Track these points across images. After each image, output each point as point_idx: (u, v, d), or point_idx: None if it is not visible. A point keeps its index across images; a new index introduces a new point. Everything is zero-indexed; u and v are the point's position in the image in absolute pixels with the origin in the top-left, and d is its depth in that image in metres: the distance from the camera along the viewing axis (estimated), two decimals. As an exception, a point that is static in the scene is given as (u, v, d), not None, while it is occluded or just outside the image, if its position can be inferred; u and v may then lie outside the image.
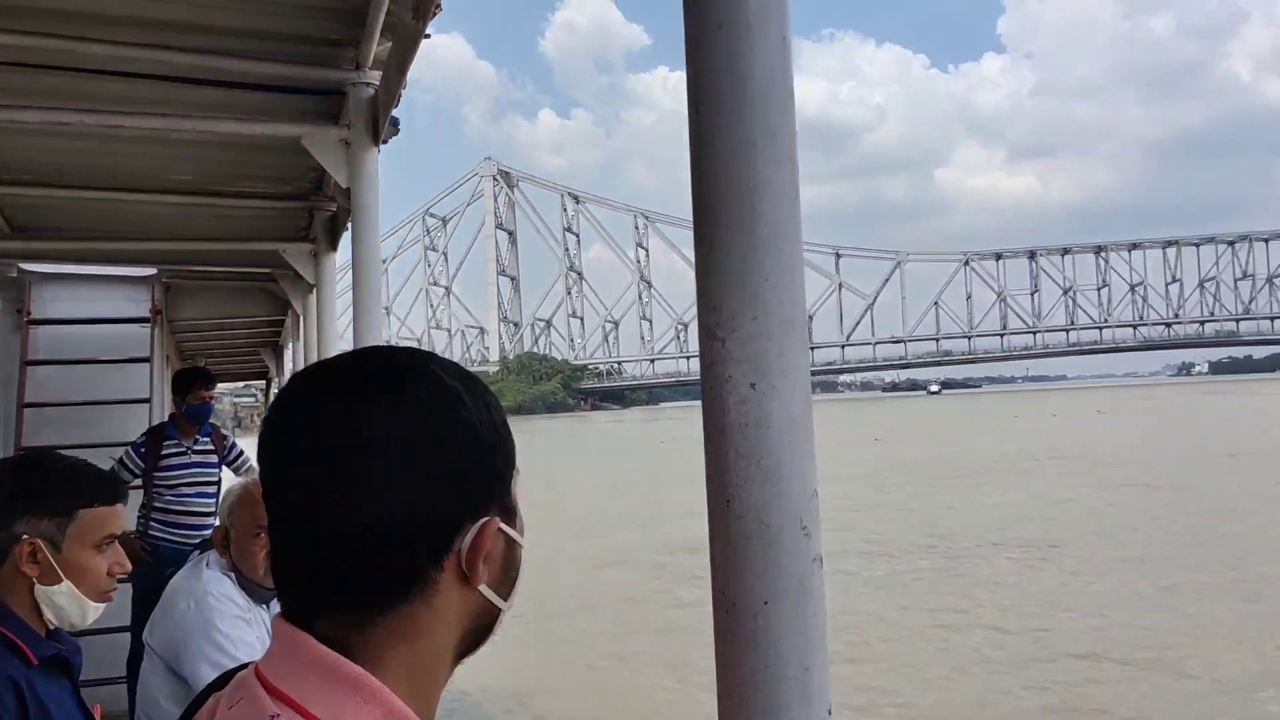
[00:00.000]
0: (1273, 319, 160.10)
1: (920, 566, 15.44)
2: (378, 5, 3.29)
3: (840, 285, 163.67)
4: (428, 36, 3.30)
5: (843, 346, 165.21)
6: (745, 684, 1.10)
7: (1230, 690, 8.87)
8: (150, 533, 5.67)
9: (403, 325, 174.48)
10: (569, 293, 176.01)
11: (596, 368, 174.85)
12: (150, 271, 7.49)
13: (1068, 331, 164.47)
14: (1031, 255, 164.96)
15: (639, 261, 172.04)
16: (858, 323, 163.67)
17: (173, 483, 5.74)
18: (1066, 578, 13.91)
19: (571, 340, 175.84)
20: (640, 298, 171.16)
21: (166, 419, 6.09)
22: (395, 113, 3.86)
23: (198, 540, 5.18)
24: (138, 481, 5.70)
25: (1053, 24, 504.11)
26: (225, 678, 0.80)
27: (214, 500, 5.68)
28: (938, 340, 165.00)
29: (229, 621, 2.49)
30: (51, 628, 1.77)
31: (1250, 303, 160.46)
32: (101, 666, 4.74)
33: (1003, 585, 13.72)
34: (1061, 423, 56.75)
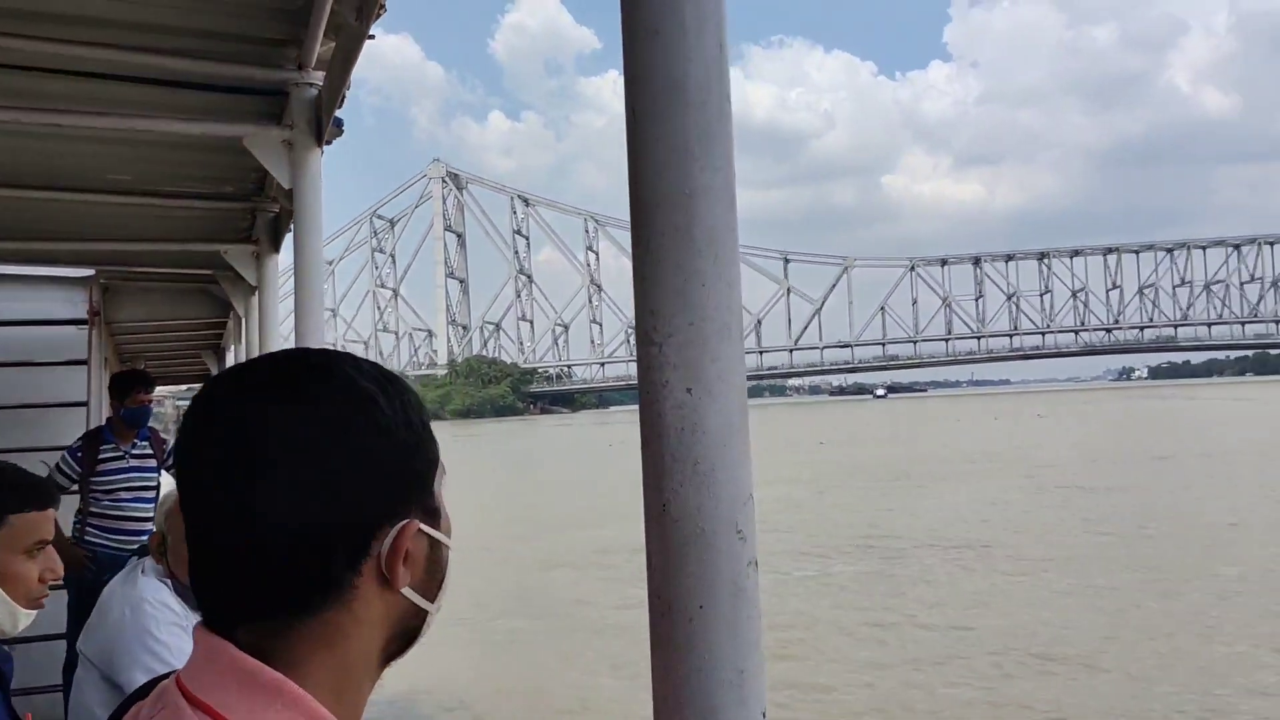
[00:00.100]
0: (1209, 325, 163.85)
1: (856, 567, 15.77)
2: (321, 5, 3.25)
3: (789, 290, 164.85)
4: (372, 37, 3.28)
5: (791, 351, 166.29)
6: (680, 687, 1.10)
7: (1140, 682, 9.24)
8: (87, 538, 5.56)
9: (349, 328, 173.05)
10: (518, 296, 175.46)
11: (546, 371, 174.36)
12: (88, 272, 7.34)
13: (1011, 336, 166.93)
14: (976, 261, 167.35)
15: (589, 265, 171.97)
16: (805, 327, 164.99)
17: (110, 487, 5.63)
18: (996, 577, 14.29)
19: (521, 343, 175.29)
20: (590, 301, 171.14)
21: (104, 423, 5.99)
22: (339, 113, 3.82)
23: (136, 546, 5.08)
24: (75, 486, 5.59)
25: (998, 33, 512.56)
26: (148, 687, 0.79)
27: (152, 505, 5.58)
28: (884, 345, 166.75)
29: (165, 629, 2.45)
30: (-18, 635, 1.73)
31: (1188, 309, 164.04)
32: (37, 674, 4.64)
33: (934, 584, 14.06)
34: (1002, 426, 57.80)
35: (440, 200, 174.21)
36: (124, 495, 5.63)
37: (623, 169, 1.17)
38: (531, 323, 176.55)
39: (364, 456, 0.74)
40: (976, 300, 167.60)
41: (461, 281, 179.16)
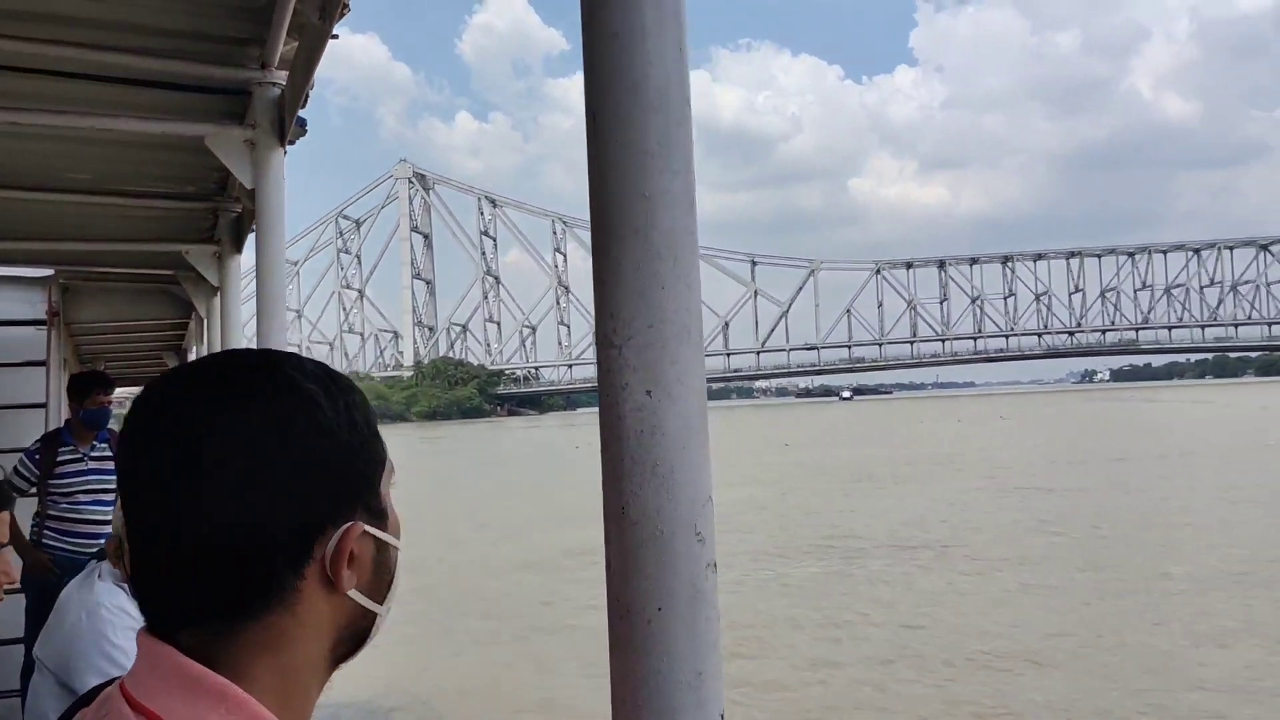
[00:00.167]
0: (1170, 329, 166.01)
1: (815, 567, 15.92)
2: (283, 4, 3.23)
3: (756, 293, 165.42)
4: (335, 37, 3.26)
5: (758, 353, 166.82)
6: (638, 690, 1.10)
7: (1086, 678, 9.41)
8: (45, 541, 5.49)
9: (314, 329, 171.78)
10: (485, 297, 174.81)
11: (513, 373, 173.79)
12: (47, 272, 7.26)
13: (975, 339, 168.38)
14: (941, 265, 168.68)
15: (557, 266, 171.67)
16: (772, 329, 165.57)
17: (68, 490, 5.56)
18: (954, 576, 14.50)
19: (488, 345, 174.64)
20: (558, 303, 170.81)
21: (63, 424, 5.91)
22: (303, 113, 3.80)
23: (94, 550, 5.02)
24: (32, 489, 5.52)
25: (963, 38, 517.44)
26: (94, 693, 0.78)
27: (111, 509, 5.50)
28: (850, 347, 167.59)
29: (122, 634, 2.42)
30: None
31: (1149, 312, 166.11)
32: (-5, 679, 4.58)
33: (891, 584, 14.25)
34: (966, 428, 58.27)
35: (407, 201, 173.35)
36: (82, 498, 5.56)
37: (591, 171, 1.17)
38: (499, 324, 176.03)
39: (306, 458, 0.74)
40: (941, 303, 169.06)
41: (428, 283, 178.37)
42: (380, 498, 0.80)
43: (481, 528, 22.55)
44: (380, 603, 0.80)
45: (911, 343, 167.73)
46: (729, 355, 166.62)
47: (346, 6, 3.13)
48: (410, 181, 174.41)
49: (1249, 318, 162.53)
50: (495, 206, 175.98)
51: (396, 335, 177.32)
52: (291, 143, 3.86)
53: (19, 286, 7.21)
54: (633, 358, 1.12)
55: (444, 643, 11.89)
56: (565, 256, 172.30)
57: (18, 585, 1.76)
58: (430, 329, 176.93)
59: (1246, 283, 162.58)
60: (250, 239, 5.59)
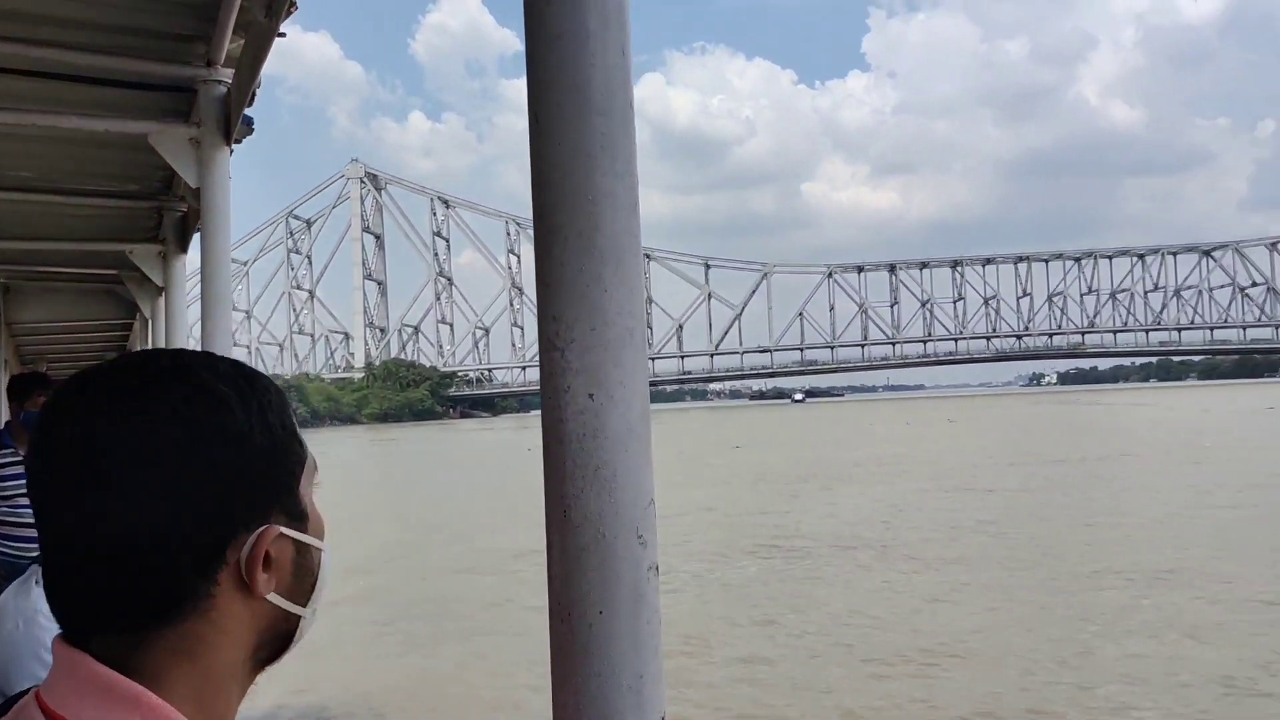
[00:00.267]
0: (1115, 333, 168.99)
1: (757, 567, 16.07)
2: (229, 2, 3.20)
3: (710, 295, 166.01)
4: (282, 35, 3.23)
5: (712, 355, 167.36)
6: (579, 693, 1.10)
7: (1011, 671, 9.66)
8: (-17, 546, 5.37)
9: (264, 329, 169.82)
10: (438, 298, 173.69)
11: (466, 375, 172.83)
12: (-14, 271, 7.13)
13: (925, 342, 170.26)
14: (891, 269, 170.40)
15: (510, 268, 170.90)
16: (726, 332, 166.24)
17: (8, 493, 5.44)
18: (892, 575, 14.73)
19: (440, 347, 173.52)
20: (512, 304, 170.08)
21: (2, 427, 5.79)
22: (249, 111, 3.76)
23: (35, 554, 4.93)
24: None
25: (915, 44, 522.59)
26: (10, 702, 0.77)
27: (52, 512, 5.41)
28: (802, 350, 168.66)
29: (59, 641, 2.37)
30: None
31: (1095, 317, 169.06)
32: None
33: (829, 583, 14.47)
34: (914, 430, 58.90)
35: (358, 201, 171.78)
36: (22, 501, 5.44)
37: (546, 172, 1.17)
38: (451, 326, 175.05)
39: (215, 462, 0.73)
40: (892, 307, 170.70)
41: (380, 284, 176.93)
42: (299, 499, 0.79)
43: (431, 530, 22.45)
44: (304, 605, 0.79)
45: (863, 346, 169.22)
46: (683, 358, 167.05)
47: (294, 4, 3.10)
48: (362, 181, 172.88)
49: (1191, 323, 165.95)
50: (448, 207, 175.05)
51: (347, 336, 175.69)
52: (238, 141, 3.82)
53: (-43, 286, 7.07)
54: (575, 360, 1.12)
55: (392, 645, 11.85)
56: (519, 258, 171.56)
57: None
58: (382, 330, 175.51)
59: (1189, 288, 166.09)
60: (196, 239, 5.52)
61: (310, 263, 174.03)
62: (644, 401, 1.16)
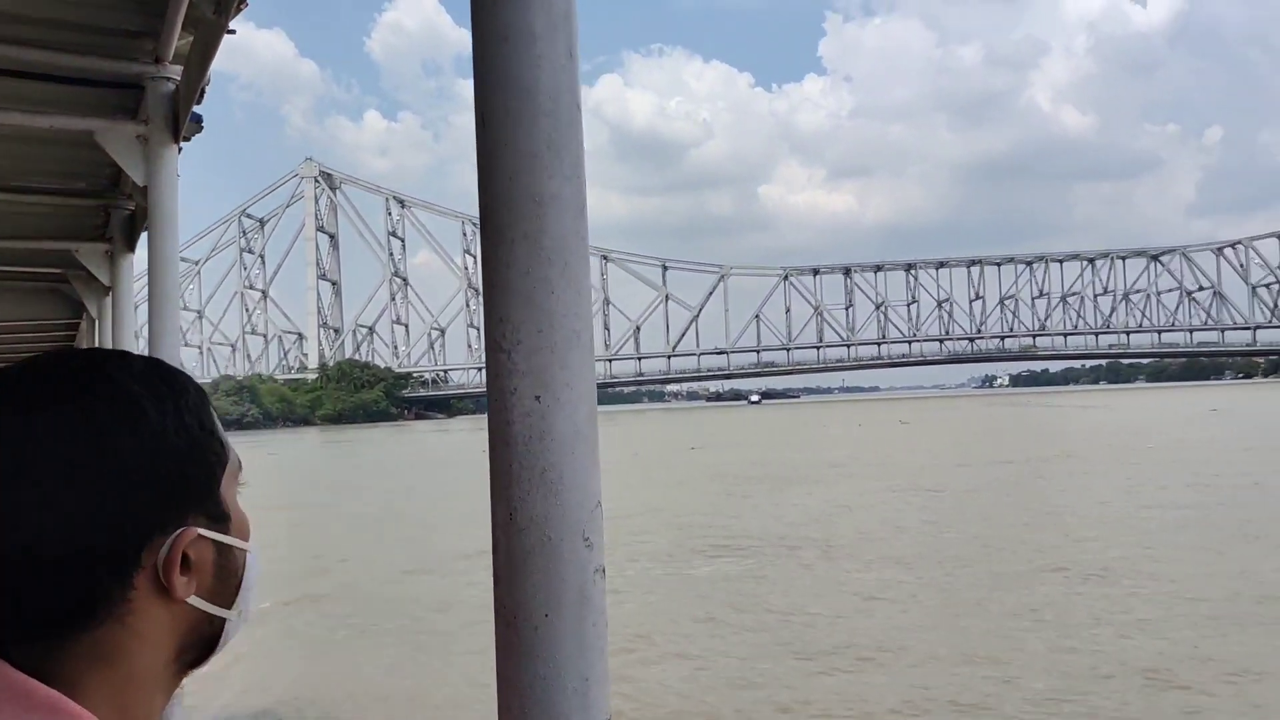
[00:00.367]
0: (1066, 336, 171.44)
1: (705, 567, 16.23)
2: (178, -3, 3.16)
3: (667, 297, 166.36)
4: (232, 32, 3.19)
5: (669, 357, 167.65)
6: (525, 696, 1.10)
7: (943, 664, 9.96)
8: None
9: (216, 330, 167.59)
10: (393, 299, 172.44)
11: (421, 376, 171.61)
12: (-74, 269, 6.96)
13: (879, 345, 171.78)
14: (847, 271, 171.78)
15: (466, 268, 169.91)
16: (683, 334, 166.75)
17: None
18: (837, 574, 15.01)
19: (395, 348, 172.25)
20: (468, 305, 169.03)
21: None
22: (199, 109, 3.71)
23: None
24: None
25: (870, 49, 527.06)
26: None
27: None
28: (759, 352, 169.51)
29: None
30: None
31: (1046, 320, 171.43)
32: None
33: (774, 582, 14.73)
34: (867, 432, 59.45)
35: (312, 200, 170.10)
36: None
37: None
38: (406, 326, 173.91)
39: (127, 464, 0.71)
40: (847, 309, 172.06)
41: (334, 284, 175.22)
42: (220, 500, 0.78)
43: (382, 533, 22.35)
44: (228, 607, 0.78)
45: (818, 348, 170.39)
46: (640, 359, 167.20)
47: (244, 1, 3.07)
48: (316, 180, 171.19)
49: (1140, 326, 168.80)
50: (404, 207, 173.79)
51: (301, 337, 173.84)
52: (186, 139, 3.77)
53: (-105, 284, 6.90)
54: (522, 362, 1.12)
55: (340, 646, 11.80)
56: (476, 258, 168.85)
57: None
58: (336, 331, 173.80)
59: (1138, 292, 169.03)
60: (144, 238, 5.43)
61: (263, 262, 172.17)
62: (591, 404, 1.16)
